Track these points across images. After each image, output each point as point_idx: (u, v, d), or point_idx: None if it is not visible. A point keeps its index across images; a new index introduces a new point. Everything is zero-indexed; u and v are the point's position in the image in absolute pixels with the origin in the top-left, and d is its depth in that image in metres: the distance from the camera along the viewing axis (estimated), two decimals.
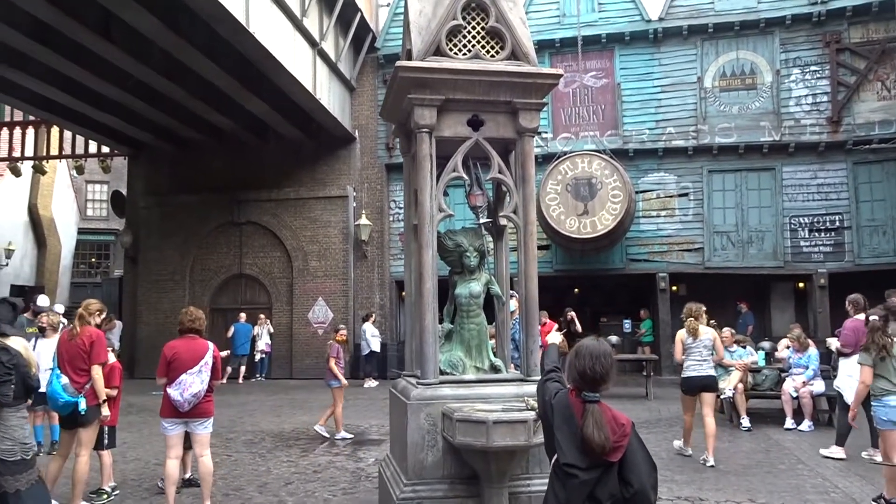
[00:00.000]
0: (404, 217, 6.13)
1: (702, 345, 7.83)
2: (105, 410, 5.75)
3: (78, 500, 5.66)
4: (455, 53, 5.17)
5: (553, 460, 2.84)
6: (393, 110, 5.66)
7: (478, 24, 5.26)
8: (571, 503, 2.70)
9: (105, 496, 6.25)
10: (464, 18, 5.21)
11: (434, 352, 4.98)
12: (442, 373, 5.09)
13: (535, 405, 4.34)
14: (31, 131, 21.60)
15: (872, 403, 6.14)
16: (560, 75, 5.32)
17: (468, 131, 5.18)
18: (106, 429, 6.11)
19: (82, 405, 5.47)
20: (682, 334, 8.01)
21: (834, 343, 7.90)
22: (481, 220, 5.42)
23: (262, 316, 17.65)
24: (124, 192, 21.00)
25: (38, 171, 22.40)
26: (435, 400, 4.83)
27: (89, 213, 31.38)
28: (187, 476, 6.71)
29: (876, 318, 6.15)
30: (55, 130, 21.10)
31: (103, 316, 6.04)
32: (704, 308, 8.29)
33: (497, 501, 4.56)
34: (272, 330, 17.66)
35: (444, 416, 4.72)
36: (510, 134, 5.25)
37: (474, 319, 5.31)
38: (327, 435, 9.39)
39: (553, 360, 3.37)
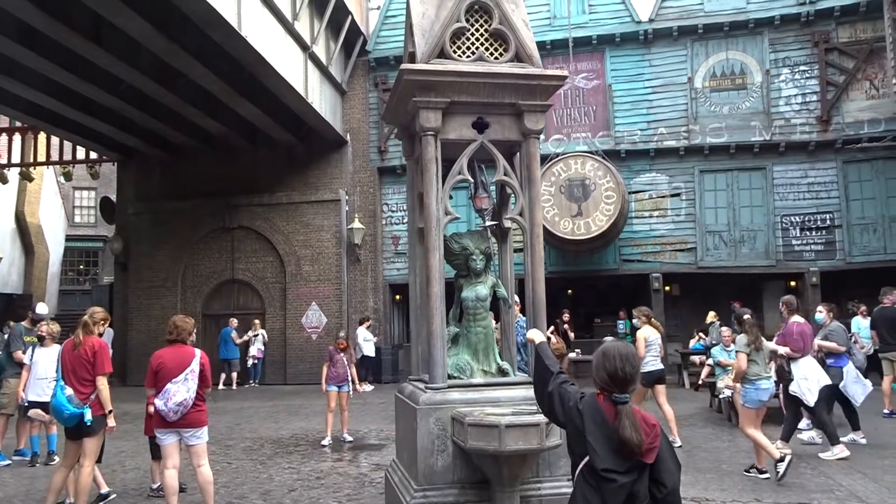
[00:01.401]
0: (408, 220, 6.10)
1: (656, 343, 8.83)
2: (111, 421, 5.67)
3: None
4: (459, 56, 5.15)
5: (581, 466, 2.81)
6: (396, 113, 5.63)
7: (481, 26, 5.25)
8: None
9: None
10: (467, 21, 5.19)
11: (442, 356, 4.95)
12: (449, 377, 5.06)
13: None
14: (17, 137, 21.39)
15: (745, 386, 7.09)
16: (565, 77, 5.31)
17: (473, 134, 5.16)
18: None
19: (88, 416, 5.39)
20: (644, 333, 8.77)
21: (780, 349, 8.11)
22: (487, 223, 5.39)
23: (256, 321, 17.55)
24: (113, 198, 20.86)
25: (26, 177, 22.23)
26: (444, 404, 4.79)
27: (77, 219, 31.10)
28: (156, 485, 6.67)
29: (749, 316, 7.15)
30: (42, 136, 20.91)
31: (107, 325, 5.95)
32: None
33: None
34: (265, 337, 17.52)
35: (454, 420, 4.68)
36: (515, 136, 5.24)
37: (481, 323, 5.29)
38: (351, 439, 9.34)
39: (554, 363, 3.34)
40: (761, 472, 6.94)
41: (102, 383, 5.56)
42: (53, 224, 27.39)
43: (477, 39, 5.21)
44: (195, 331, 6.08)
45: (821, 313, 9.14)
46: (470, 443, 4.39)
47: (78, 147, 20.64)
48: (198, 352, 5.59)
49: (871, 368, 13.88)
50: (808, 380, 7.79)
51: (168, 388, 5.32)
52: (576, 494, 2.84)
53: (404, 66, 5.02)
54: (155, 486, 6.66)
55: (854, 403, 8.66)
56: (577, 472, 2.84)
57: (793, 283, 17.36)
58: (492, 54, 5.21)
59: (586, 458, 2.78)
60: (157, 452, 6.42)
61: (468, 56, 5.17)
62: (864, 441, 8.42)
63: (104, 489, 6.50)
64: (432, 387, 4.90)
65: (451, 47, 5.14)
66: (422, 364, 5.61)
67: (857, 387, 8.56)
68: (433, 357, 4.93)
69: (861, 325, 13.67)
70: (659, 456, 2.74)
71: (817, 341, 8.67)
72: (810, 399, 7.75)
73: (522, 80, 5.08)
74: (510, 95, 5.10)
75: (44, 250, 26.16)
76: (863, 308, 13.99)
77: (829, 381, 8.02)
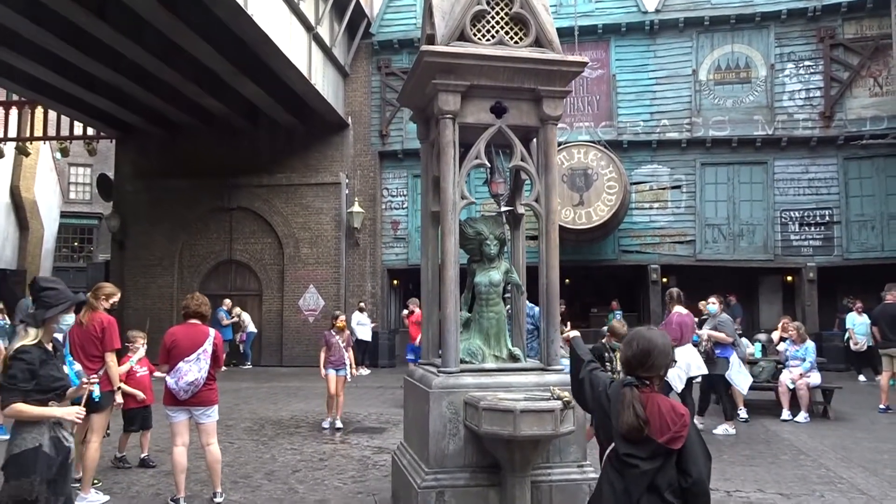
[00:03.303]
0: (421, 204, 6.07)
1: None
2: (119, 397, 5.65)
3: (88, 486, 5.57)
4: (479, 39, 5.10)
5: (608, 450, 2.82)
6: (413, 95, 5.59)
7: (501, 9, 5.19)
8: (631, 493, 2.68)
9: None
10: (487, 3, 5.15)
11: (456, 340, 4.94)
12: (461, 361, 5.06)
13: (562, 395, 4.35)
14: (14, 111, 21.17)
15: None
16: (585, 63, 5.29)
17: (491, 118, 5.13)
18: None
19: (96, 392, 5.36)
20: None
21: None
22: (502, 209, 5.37)
23: (236, 308, 17.35)
24: (109, 175, 20.70)
25: (22, 152, 22.02)
26: (457, 388, 4.79)
27: (72, 196, 30.91)
28: (144, 455, 7.02)
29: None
30: (39, 111, 20.70)
31: (115, 298, 5.89)
32: None
33: (519, 490, 4.55)
34: (236, 318, 17.27)
35: (467, 404, 4.68)
36: (533, 122, 5.21)
37: (493, 308, 5.27)
38: (341, 426, 9.16)
39: (586, 352, 3.34)
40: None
41: (111, 359, 5.55)
42: (48, 200, 27.14)
43: (497, 23, 5.16)
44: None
45: (713, 305, 9.41)
46: (484, 427, 4.40)
47: (75, 123, 20.45)
48: (212, 331, 5.56)
49: (867, 364, 14.07)
50: (680, 367, 8.16)
51: (180, 367, 5.31)
52: (602, 479, 2.86)
53: (424, 47, 4.98)
54: (119, 455, 7.01)
55: (741, 392, 9.33)
56: (605, 457, 2.85)
57: (789, 278, 17.48)
58: (512, 38, 5.16)
59: (613, 444, 2.80)
60: (128, 425, 6.93)
61: (488, 39, 5.12)
62: (733, 431, 8.75)
63: (145, 453, 7.03)
64: (445, 370, 4.89)
65: (472, 30, 5.09)
66: (432, 348, 5.62)
67: (740, 377, 9.14)
68: (447, 341, 4.92)
69: (856, 321, 13.82)
70: (686, 445, 2.73)
71: (707, 331, 9.06)
72: (679, 386, 8.14)
73: (543, 65, 5.04)
74: (530, 80, 5.07)
75: (38, 226, 25.96)
76: (858, 304, 14.11)
77: (703, 371, 8.53)
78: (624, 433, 2.71)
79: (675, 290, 8.90)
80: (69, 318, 3.74)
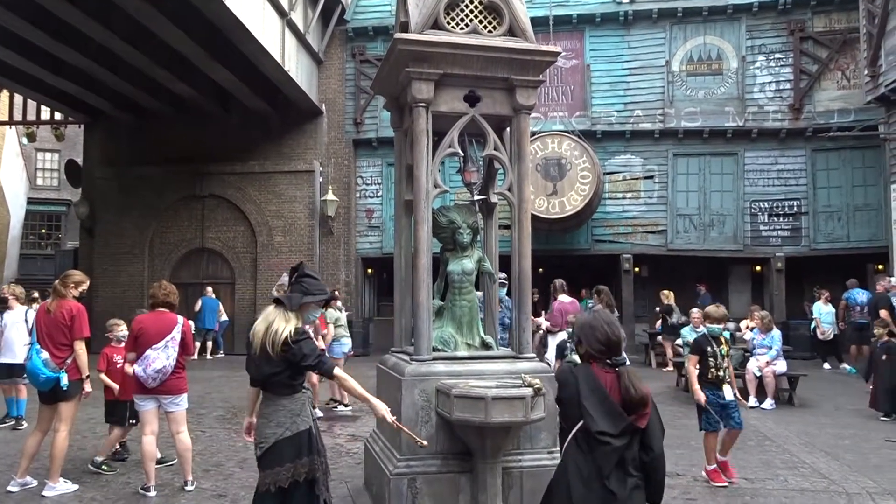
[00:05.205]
0: (395, 192, 6.06)
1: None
2: (87, 386, 5.58)
3: (56, 475, 5.51)
4: (453, 28, 5.10)
5: (574, 430, 2.88)
6: (386, 83, 5.57)
7: None
8: (603, 470, 2.80)
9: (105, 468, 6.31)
10: None
11: (428, 328, 4.97)
12: (433, 349, 5.09)
13: (533, 382, 4.39)
14: None
15: (332, 343, 8.90)
16: (558, 53, 5.31)
17: (464, 107, 5.13)
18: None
19: (64, 380, 5.30)
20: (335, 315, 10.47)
21: (544, 323, 8.96)
22: (475, 198, 5.39)
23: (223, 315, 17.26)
24: (78, 160, 20.34)
25: None
26: (429, 376, 4.82)
27: (39, 182, 30.27)
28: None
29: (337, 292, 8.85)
30: (5, 95, 20.24)
31: (84, 287, 5.81)
32: None
33: (490, 477, 4.59)
34: (225, 318, 17.28)
35: (438, 392, 4.71)
36: (506, 111, 5.23)
37: (466, 297, 5.31)
38: (321, 414, 9.11)
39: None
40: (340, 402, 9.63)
41: (80, 347, 5.47)
42: (15, 186, 26.57)
43: (471, 11, 5.16)
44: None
45: (591, 299, 9.75)
46: (455, 414, 4.43)
47: (43, 107, 20.02)
48: (180, 319, 5.52)
49: (832, 352, 14.37)
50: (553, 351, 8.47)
51: (148, 354, 5.27)
52: (566, 461, 2.92)
53: (398, 35, 4.96)
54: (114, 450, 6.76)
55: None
56: (570, 437, 2.91)
57: (758, 268, 17.77)
58: (486, 27, 5.17)
59: (580, 423, 2.86)
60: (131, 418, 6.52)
61: (462, 28, 5.11)
62: None
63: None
64: (417, 358, 4.92)
65: (445, 18, 5.08)
66: (405, 336, 5.63)
67: None
68: (419, 329, 4.94)
69: (822, 310, 14.09)
70: (649, 422, 2.88)
71: (571, 318, 9.26)
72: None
73: (516, 54, 5.06)
74: (503, 70, 5.08)
75: (4, 213, 25.43)
76: (826, 294, 14.41)
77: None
78: (633, 407, 2.85)
79: (558, 281, 9.27)
80: (315, 314, 3.91)
